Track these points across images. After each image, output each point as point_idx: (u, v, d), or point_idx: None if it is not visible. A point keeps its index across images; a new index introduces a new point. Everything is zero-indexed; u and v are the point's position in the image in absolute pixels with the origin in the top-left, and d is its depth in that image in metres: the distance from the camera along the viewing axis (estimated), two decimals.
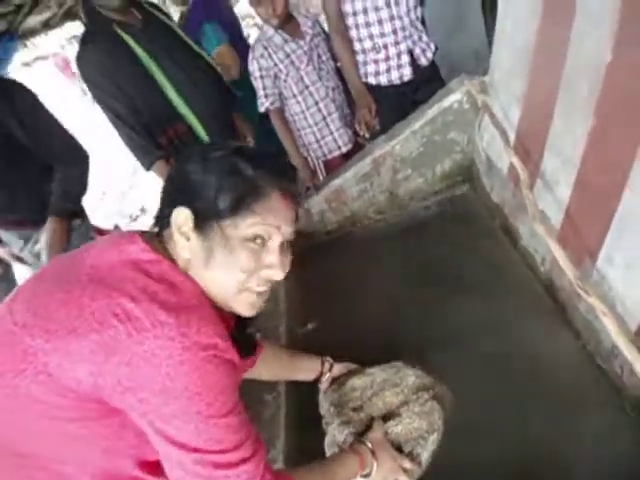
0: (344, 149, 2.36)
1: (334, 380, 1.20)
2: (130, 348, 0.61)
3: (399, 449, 1.00)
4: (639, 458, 0.87)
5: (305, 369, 1.19)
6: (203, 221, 0.72)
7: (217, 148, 0.75)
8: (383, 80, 2.12)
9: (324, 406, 1.15)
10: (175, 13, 2.78)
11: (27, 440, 0.66)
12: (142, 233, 0.77)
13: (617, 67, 0.88)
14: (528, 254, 1.32)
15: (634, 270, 0.88)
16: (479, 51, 3.18)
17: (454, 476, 0.99)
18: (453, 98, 1.59)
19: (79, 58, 1.64)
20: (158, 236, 0.77)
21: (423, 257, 1.56)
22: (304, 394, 1.21)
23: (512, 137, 1.36)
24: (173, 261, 0.73)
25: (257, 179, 0.73)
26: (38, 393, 0.63)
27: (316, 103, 2.21)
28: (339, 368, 1.21)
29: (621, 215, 0.91)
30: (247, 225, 0.72)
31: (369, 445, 0.96)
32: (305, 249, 1.85)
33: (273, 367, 1.14)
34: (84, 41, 1.68)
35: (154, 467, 0.72)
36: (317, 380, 1.20)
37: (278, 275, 0.77)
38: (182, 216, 0.72)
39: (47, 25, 4.53)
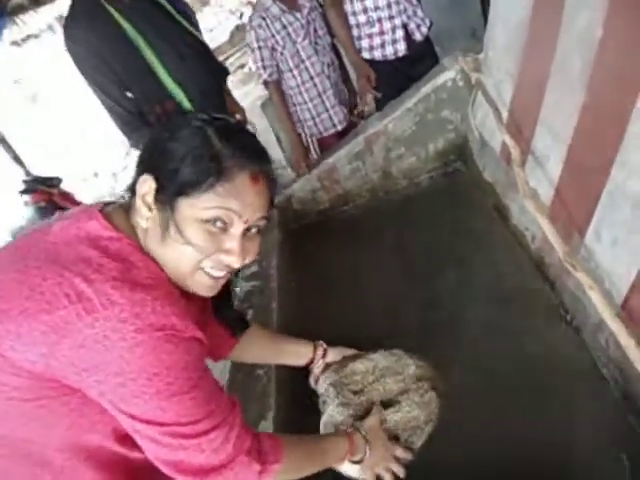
0: (339, 127, 2.36)
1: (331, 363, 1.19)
2: (82, 330, 0.59)
3: (396, 437, 1.01)
4: (613, 425, 0.89)
5: (296, 354, 1.17)
6: (163, 193, 0.68)
7: (195, 117, 0.72)
8: (377, 55, 2.11)
9: (323, 386, 1.15)
10: None
11: None
12: (106, 205, 0.75)
13: (608, 43, 0.88)
14: (519, 232, 1.33)
15: (620, 246, 0.89)
16: (476, 29, 3.15)
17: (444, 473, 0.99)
18: (447, 76, 1.59)
19: (66, 32, 1.61)
20: (126, 207, 0.74)
21: (415, 235, 1.57)
22: (295, 368, 1.22)
23: (505, 115, 1.36)
24: (134, 236, 0.70)
25: (225, 157, 0.68)
26: None
27: (311, 78, 2.21)
28: (333, 354, 1.19)
29: (609, 191, 0.91)
30: (204, 206, 0.67)
31: (363, 433, 0.96)
32: (297, 228, 1.86)
33: (261, 349, 1.13)
34: (71, 16, 1.64)
35: (125, 438, 0.71)
36: (307, 365, 1.19)
37: (235, 263, 0.72)
38: (146, 184, 0.69)
39: (36, 2, 4.42)
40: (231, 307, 0.98)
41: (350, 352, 1.21)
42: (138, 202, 0.70)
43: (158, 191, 0.69)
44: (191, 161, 0.67)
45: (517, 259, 1.31)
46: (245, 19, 6.03)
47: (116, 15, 1.62)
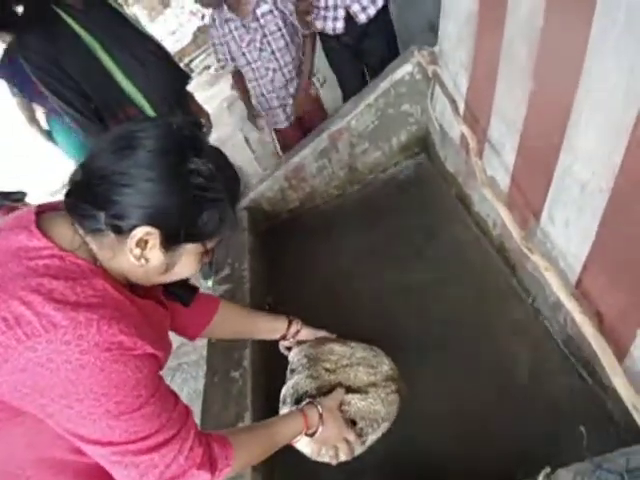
0: (281, 125, 2.57)
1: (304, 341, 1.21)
2: (23, 354, 0.57)
3: (353, 422, 1.03)
4: (574, 398, 0.93)
5: (268, 329, 1.18)
6: (170, 242, 0.69)
7: (171, 151, 0.67)
8: (319, 26, 2.25)
9: (297, 356, 1.17)
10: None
11: None
12: (40, 211, 0.70)
13: (549, 31, 0.91)
14: (481, 219, 1.37)
15: (572, 227, 0.92)
16: (434, 22, 3.19)
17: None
18: (404, 70, 1.61)
19: (20, 42, 1.58)
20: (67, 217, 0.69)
21: (384, 228, 1.60)
22: (270, 369, 1.24)
23: (462, 106, 1.39)
24: (81, 251, 0.66)
25: (230, 205, 0.73)
26: None
27: (256, 79, 2.38)
28: (307, 333, 1.20)
29: (559, 175, 0.95)
30: (210, 244, 0.75)
31: (319, 408, 0.97)
32: (268, 228, 1.87)
33: (232, 325, 1.13)
34: (23, 24, 1.61)
35: None
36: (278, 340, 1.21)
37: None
38: (147, 235, 0.66)
39: None
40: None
41: (323, 334, 1.22)
42: (132, 246, 0.66)
43: (163, 241, 0.68)
44: (203, 216, 0.69)
45: (480, 245, 1.35)
46: (207, 20, 5.96)
47: (71, 22, 1.60)
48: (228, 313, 1.11)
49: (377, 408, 1.05)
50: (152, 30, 2.62)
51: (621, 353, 0.80)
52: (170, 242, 0.68)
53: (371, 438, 1.04)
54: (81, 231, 0.67)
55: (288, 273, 1.64)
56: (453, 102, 1.40)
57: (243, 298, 1.44)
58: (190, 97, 2.09)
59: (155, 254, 0.68)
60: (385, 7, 2.25)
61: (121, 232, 0.66)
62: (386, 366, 1.15)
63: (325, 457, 1.01)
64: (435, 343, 1.18)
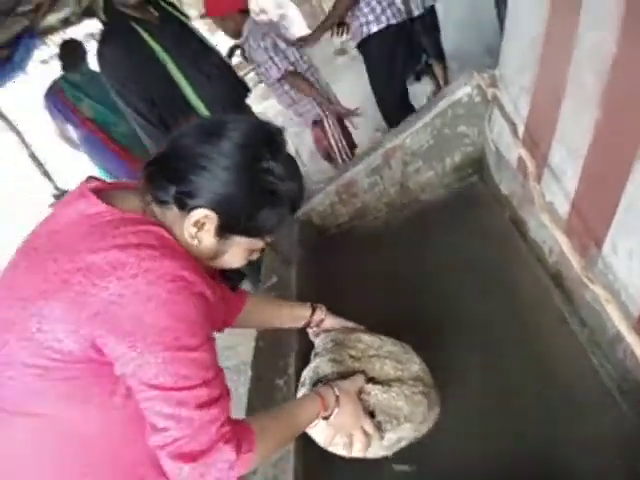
0: None
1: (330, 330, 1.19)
2: (98, 296, 0.63)
3: (371, 414, 0.97)
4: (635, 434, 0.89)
5: (292, 317, 1.18)
6: (225, 230, 0.74)
7: (251, 146, 0.73)
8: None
9: (323, 340, 1.14)
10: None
11: (30, 401, 0.69)
12: (96, 188, 0.76)
13: (622, 60, 0.90)
14: (536, 245, 1.34)
15: (636, 259, 0.90)
16: (492, 46, 3.18)
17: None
18: (463, 92, 1.61)
19: (99, 54, 1.70)
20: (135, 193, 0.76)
21: (433, 249, 1.59)
22: None
23: (521, 129, 1.37)
24: (145, 214, 0.73)
25: (291, 206, 0.78)
26: (25, 358, 0.66)
27: None
28: (332, 321, 1.19)
29: (624, 205, 0.92)
30: (263, 242, 0.80)
31: (335, 390, 0.93)
32: (317, 241, 1.90)
33: (259, 315, 1.15)
34: (103, 38, 1.74)
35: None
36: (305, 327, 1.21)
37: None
38: (205, 218, 0.72)
39: (66, 22, 4.60)
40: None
41: (351, 324, 1.20)
42: (190, 226, 0.72)
43: (219, 228, 0.74)
44: (263, 212, 0.74)
45: (535, 272, 1.32)
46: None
47: (146, 36, 1.71)
48: (254, 303, 1.13)
49: (399, 404, 0.99)
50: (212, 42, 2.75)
51: None
52: (225, 230, 0.74)
53: (389, 436, 0.97)
54: (148, 200, 0.74)
55: (333, 286, 1.65)
56: (512, 125, 1.39)
57: None
58: (248, 109, 2.17)
59: (208, 238, 0.74)
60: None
61: (184, 208, 0.72)
62: (416, 365, 1.10)
63: (339, 446, 0.96)
64: (480, 371, 1.15)
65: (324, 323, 1.20)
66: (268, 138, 0.75)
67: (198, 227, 0.73)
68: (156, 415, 0.66)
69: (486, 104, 1.57)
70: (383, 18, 2.48)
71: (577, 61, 1.06)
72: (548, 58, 1.21)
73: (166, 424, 0.66)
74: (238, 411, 1.17)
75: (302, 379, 1.08)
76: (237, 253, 0.79)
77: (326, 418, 0.92)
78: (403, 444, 1.01)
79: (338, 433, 0.95)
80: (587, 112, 1.02)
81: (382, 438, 0.97)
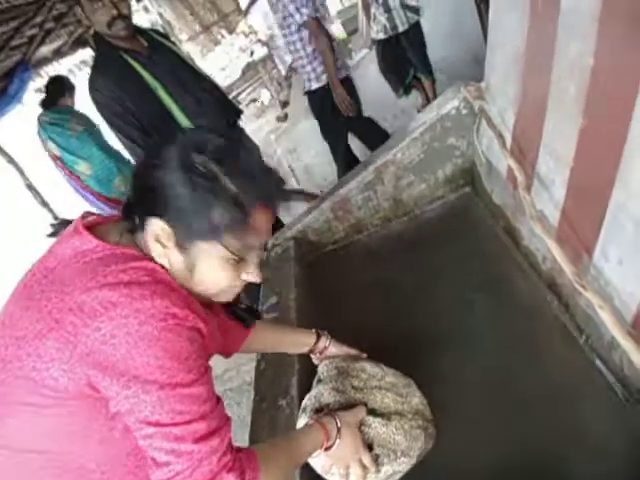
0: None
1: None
2: (90, 337, 0.63)
3: (369, 447, 0.99)
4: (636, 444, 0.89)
5: (297, 343, 1.20)
6: (184, 239, 0.72)
7: (195, 148, 0.71)
8: None
9: (326, 367, 1.16)
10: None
11: (33, 439, 0.70)
12: (89, 223, 0.77)
13: (600, 70, 0.92)
14: (530, 253, 1.35)
15: (627, 264, 0.91)
16: (479, 55, 3.23)
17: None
18: (450, 105, 1.64)
19: (90, 84, 1.73)
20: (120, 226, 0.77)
21: (429, 261, 1.60)
22: None
23: (509, 140, 1.40)
24: (133, 247, 0.74)
25: (241, 201, 0.71)
26: (22, 396, 0.67)
27: None
28: (335, 349, 1.21)
29: (612, 211, 0.94)
30: (228, 248, 0.73)
31: (337, 422, 0.94)
32: (314, 258, 1.91)
33: (263, 339, 1.16)
34: (94, 68, 1.77)
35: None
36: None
37: (256, 280, 0.80)
38: (160, 230, 0.72)
39: (58, 53, 4.68)
40: (238, 300, 0.99)
41: (354, 352, 1.22)
42: (151, 241, 0.72)
43: (177, 237, 0.72)
44: (212, 212, 0.70)
45: (529, 280, 1.33)
46: (256, 57, 6.25)
47: (136, 66, 1.74)
48: (259, 329, 1.14)
49: (398, 438, 1.00)
50: (204, 66, 2.80)
51: None
52: (182, 239, 0.72)
53: (385, 469, 0.98)
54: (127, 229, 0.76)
55: (332, 303, 1.65)
56: (500, 136, 1.41)
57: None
58: (241, 132, 2.20)
59: (173, 253, 0.73)
60: None
61: (143, 228, 0.73)
62: (417, 399, 1.11)
63: (335, 475, 0.97)
64: (480, 380, 1.15)
65: (328, 350, 1.21)
66: (203, 139, 0.73)
67: (161, 244, 0.72)
68: (156, 450, 0.67)
69: (473, 116, 1.60)
70: (324, 77, 2.65)
71: (558, 72, 1.09)
72: (531, 70, 1.23)
73: (167, 458, 0.66)
74: (242, 432, 1.18)
75: (303, 406, 1.09)
76: (210, 263, 0.74)
77: (327, 449, 0.93)
78: (397, 477, 1.02)
79: (336, 463, 0.97)
80: (571, 121, 1.04)
81: (379, 471, 0.98)
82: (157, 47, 1.83)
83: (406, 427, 1.02)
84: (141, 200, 0.74)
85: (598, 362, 1.05)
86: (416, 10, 2.76)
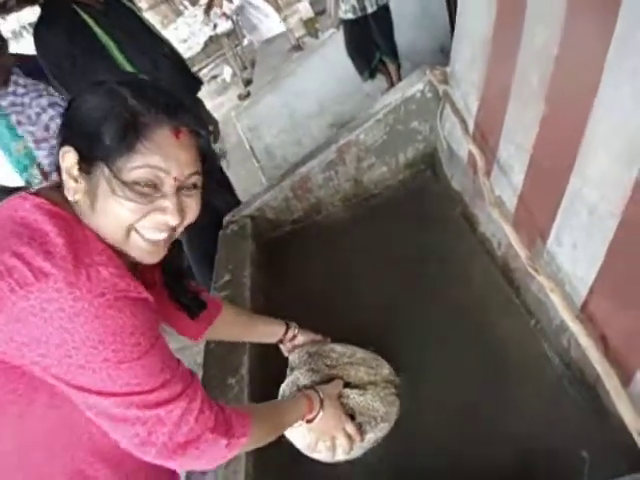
0: None
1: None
2: (16, 304, 0.58)
3: (351, 417, 1.02)
4: (577, 424, 0.92)
5: (266, 333, 1.20)
6: (87, 161, 0.66)
7: (109, 80, 0.68)
8: None
9: (299, 354, 1.19)
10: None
11: None
12: (42, 189, 0.72)
13: (563, 60, 0.93)
14: (486, 239, 1.37)
15: (579, 250, 0.93)
16: (445, 45, 3.25)
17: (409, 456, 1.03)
18: (415, 88, 1.63)
19: (36, 36, 1.60)
20: (57, 185, 0.71)
21: (387, 244, 1.60)
22: (269, 377, 1.22)
23: (471, 126, 1.40)
24: (69, 211, 0.68)
25: (141, 114, 0.65)
26: None
27: None
28: (303, 337, 1.22)
29: (568, 198, 0.96)
30: (130, 168, 0.65)
31: (320, 394, 0.97)
32: (271, 237, 1.87)
33: (232, 328, 1.14)
34: (42, 18, 1.63)
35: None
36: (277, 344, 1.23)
37: (172, 220, 0.70)
38: (68, 157, 0.66)
39: (3, 7, 4.34)
40: (184, 288, 0.95)
41: (320, 338, 1.24)
42: (64, 176, 0.67)
43: (81, 161, 0.66)
44: (107, 124, 0.63)
45: (485, 265, 1.35)
46: (219, 30, 6.04)
47: (89, 21, 1.62)
48: (229, 316, 1.12)
49: (376, 405, 1.05)
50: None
51: (626, 378, 0.80)
52: (85, 163, 0.66)
53: (369, 437, 1.02)
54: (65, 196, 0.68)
55: (288, 282, 1.63)
56: (463, 122, 1.42)
57: (243, 305, 1.43)
58: (200, 104, 2.11)
59: (78, 183, 0.67)
60: None
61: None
62: (387, 370, 1.16)
63: (322, 451, 1.00)
64: (436, 362, 1.17)
65: (296, 339, 1.22)
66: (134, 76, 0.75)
67: (72, 176, 0.67)
68: (121, 423, 0.64)
69: (438, 100, 1.59)
70: None
71: (522, 61, 1.09)
72: (496, 57, 1.24)
73: (137, 429, 0.64)
74: None
75: (281, 392, 1.11)
76: (108, 198, 0.66)
77: (310, 421, 0.94)
78: (375, 442, 1.05)
79: (321, 437, 0.99)
80: (532, 109, 1.05)
81: (363, 440, 1.01)
82: (114, 4, 1.70)
83: (382, 394, 1.07)
84: (57, 140, 0.69)
85: (546, 345, 1.08)
86: None
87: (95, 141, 0.64)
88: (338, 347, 1.19)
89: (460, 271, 1.38)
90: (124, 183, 0.64)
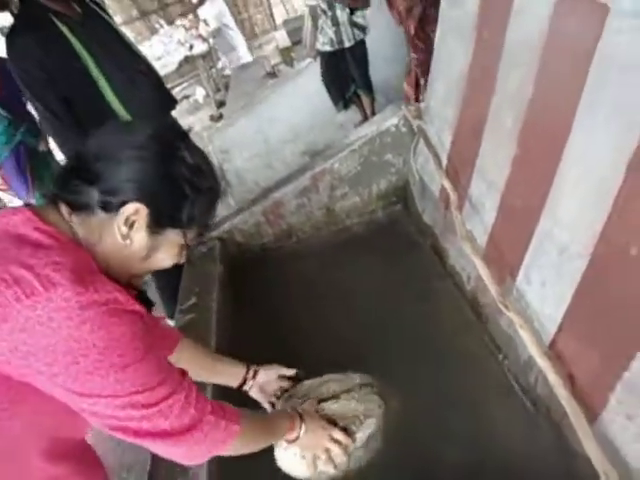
0: None
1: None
2: (22, 313, 0.59)
3: (334, 424, 1.02)
4: (548, 463, 0.93)
5: (227, 373, 1.15)
6: (156, 224, 0.72)
7: (163, 137, 0.73)
8: None
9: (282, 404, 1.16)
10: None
11: None
12: (32, 206, 0.74)
13: (538, 102, 0.97)
14: (455, 272, 1.39)
15: (548, 288, 0.95)
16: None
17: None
18: (390, 122, 1.67)
19: (8, 43, 1.54)
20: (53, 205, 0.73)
21: (356, 274, 1.60)
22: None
23: (444, 161, 1.44)
24: (67, 231, 0.70)
25: (209, 197, 0.77)
26: None
27: None
28: (265, 374, 1.17)
29: (538, 238, 0.98)
30: (190, 236, 0.77)
31: (298, 410, 0.99)
32: (239, 261, 1.83)
33: (193, 365, 1.08)
34: (16, 27, 1.58)
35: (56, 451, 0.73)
36: (240, 387, 1.16)
37: (183, 260, 0.83)
38: (135, 214, 0.70)
39: None
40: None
41: (285, 370, 1.20)
42: (119, 221, 0.70)
43: (151, 221, 0.71)
44: (187, 202, 0.72)
45: (454, 299, 1.36)
46: (195, 51, 6.05)
47: (65, 30, 1.58)
48: (187, 352, 1.08)
49: (352, 406, 1.06)
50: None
51: (592, 417, 0.81)
52: (156, 224, 0.72)
53: (359, 436, 1.02)
54: (68, 213, 0.71)
55: (256, 307, 1.60)
56: (436, 156, 1.45)
57: (208, 329, 1.38)
58: (174, 121, 2.08)
59: (140, 235, 0.71)
60: None
61: (110, 209, 0.69)
62: (357, 379, 1.16)
63: (322, 468, 1.00)
64: (402, 388, 1.16)
65: (258, 376, 1.16)
66: (179, 132, 0.77)
67: (129, 226, 0.70)
68: (128, 421, 0.67)
69: (412, 135, 1.63)
70: None
71: (497, 101, 1.13)
72: (471, 96, 1.28)
73: (142, 425, 0.68)
74: None
75: None
76: (169, 249, 0.77)
77: (296, 439, 0.96)
78: (378, 441, 1.07)
79: (314, 453, 0.99)
80: (505, 149, 1.09)
81: (355, 440, 1.02)
82: (92, 15, 1.67)
83: (356, 396, 1.09)
84: (105, 178, 0.70)
85: (512, 380, 1.09)
86: (363, 28, 2.83)
87: (174, 214, 0.73)
88: (307, 381, 1.16)
89: (429, 304, 1.39)
90: (180, 244, 0.77)
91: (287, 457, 1.01)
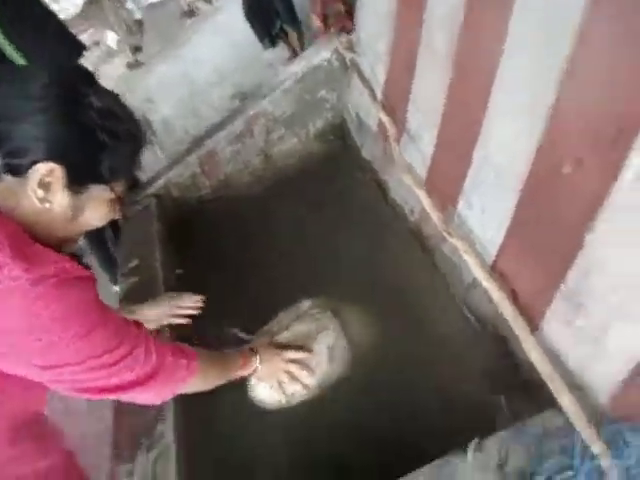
0: None
1: None
2: None
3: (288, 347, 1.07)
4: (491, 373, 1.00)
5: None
6: (77, 182, 0.67)
7: (64, 83, 0.66)
8: None
9: None
10: None
11: None
12: None
13: (469, 26, 0.95)
14: (397, 205, 1.41)
15: (488, 213, 0.98)
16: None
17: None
18: (322, 56, 1.60)
19: None
20: None
21: (299, 217, 1.58)
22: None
23: (379, 94, 1.41)
24: None
25: (132, 147, 0.73)
26: None
27: None
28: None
29: (476, 164, 1.00)
30: (118, 189, 0.73)
31: (250, 345, 1.04)
32: (177, 217, 1.76)
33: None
34: None
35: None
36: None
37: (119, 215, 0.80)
38: (49, 174, 0.63)
39: None
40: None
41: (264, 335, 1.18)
42: (32, 185, 0.63)
43: (70, 179, 0.66)
44: (124, 152, 0.70)
45: (397, 230, 1.39)
46: None
47: None
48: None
49: (302, 328, 1.10)
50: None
51: (534, 327, 0.87)
52: (75, 182, 0.67)
53: (317, 348, 1.07)
54: None
55: (199, 262, 1.55)
56: (371, 90, 1.42)
57: (155, 290, 1.34)
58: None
59: (60, 196, 0.66)
60: None
61: (20, 172, 0.63)
62: (307, 303, 1.20)
63: (289, 389, 1.04)
64: (350, 317, 1.20)
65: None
66: (82, 75, 0.70)
67: (45, 188, 0.64)
68: (100, 380, 0.69)
69: (344, 69, 1.58)
70: None
71: (429, 27, 1.11)
72: (402, 24, 1.24)
73: (111, 381, 0.71)
74: None
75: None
76: (97, 207, 0.72)
77: (255, 372, 1.01)
78: (344, 352, 1.10)
79: (277, 378, 1.03)
80: (439, 76, 1.08)
81: (311, 351, 1.06)
82: None
83: (307, 319, 1.13)
84: (3, 138, 0.63)
85: (461, 304, 1.14)
86: None
87: (95, 169, 0.68)
88: (264, 327, 1.20)
89: (374, 235, 1.41)
90: (108, 199, 0.72)
91: (259, 392, 1.06)
